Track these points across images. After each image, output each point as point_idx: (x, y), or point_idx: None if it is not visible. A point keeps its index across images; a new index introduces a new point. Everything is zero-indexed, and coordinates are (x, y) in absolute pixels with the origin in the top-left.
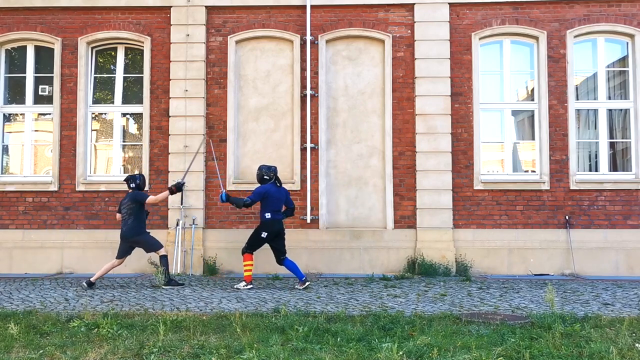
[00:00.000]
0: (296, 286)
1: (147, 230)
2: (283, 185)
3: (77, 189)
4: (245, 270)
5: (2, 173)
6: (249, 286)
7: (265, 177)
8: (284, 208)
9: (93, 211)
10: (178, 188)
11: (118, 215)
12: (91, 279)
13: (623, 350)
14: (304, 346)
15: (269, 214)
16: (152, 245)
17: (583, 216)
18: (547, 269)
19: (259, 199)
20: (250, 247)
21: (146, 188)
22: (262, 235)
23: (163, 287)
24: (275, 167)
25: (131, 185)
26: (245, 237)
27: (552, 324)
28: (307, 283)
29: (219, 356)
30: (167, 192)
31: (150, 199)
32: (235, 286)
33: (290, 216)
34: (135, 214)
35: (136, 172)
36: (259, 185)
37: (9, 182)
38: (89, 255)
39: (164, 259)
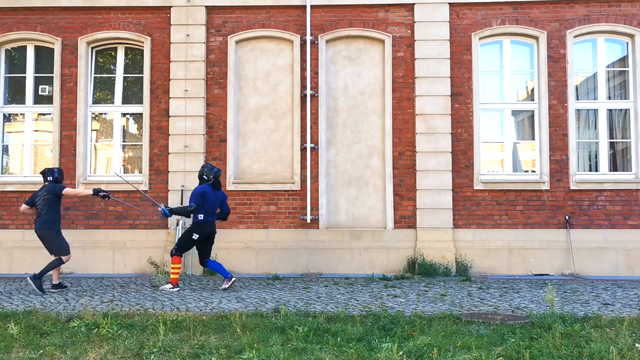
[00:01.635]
0: (223, 286)
1: (61, 230)
2: (283, 185)
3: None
4: (173, 273)
5: (2, 173)
6: (176, 289)
7: (205, 177)
8: (217, 210)
9: (93, 211)
10: (103, 196)
11: (23, 207)
12: (54, 283)
13: (623, 350)
14: (304, 346)
15: (202, 215)
16: (59, 249)
17: (583, 216)
18: (547, 269)
19: (200, 200)
20: (180, 249)
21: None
22: (194, 237)
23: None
24: (219, 170)
25: (48, 178)
26: (245, 236)
27: (552, 324)
28: (233, 279)
29: (219, 356)
30: (90, 191)
31: (68, 190)
32: (160, 287)
33: (222, 220)
34: (50, 205)
35: (55, 167)
36: (198, 184)
37: (9, 182)
38: (89, 255)
39: (57, 261)
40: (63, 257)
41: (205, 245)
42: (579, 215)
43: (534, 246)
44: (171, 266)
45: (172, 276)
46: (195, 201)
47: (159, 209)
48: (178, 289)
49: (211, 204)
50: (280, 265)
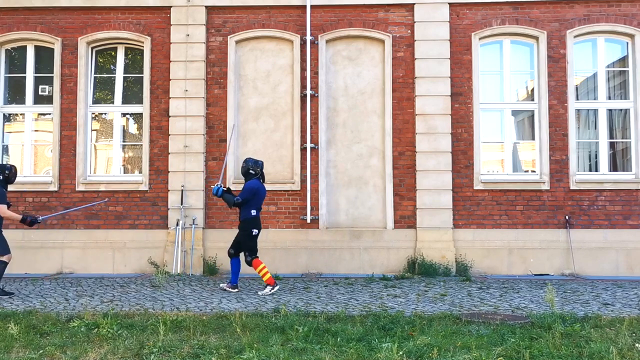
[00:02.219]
0: (223, 285)
1: (1, 231)
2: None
3: (77, 189)
4: (264, 274)
5: None
6: (276, 287)
7: (251, 171)
8: None
9: (93, 211)
10: (31, 222)
11: None
12: None
13: (623, 350)
14: (304, 346)
15: (254, 210)
16: (1, 249)
17: (583, 216)
18: (547, 269)
19: (250, 196)
20: (252, 252)
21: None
22: (254, 233)
23: None
24: (262, 162)
25: None
26: None
27: (552, 324)
28: (236, 290)
29: (219, 356)
30: (19, 217)
31: (2, 208)
32: (260, 293)
33: None
34: None
35: (8, 163)
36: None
37: None
38: (88, 255)
39: (1, 264)
40: (4, 257)
41: None
42: (579, 215)
43: (534, 246)
44: (257, 270)
45: (264, 278)
46: (245, 196)
47: (218, 183)
48: (278, 287)
49: (260, 199)
50: (280, 265)
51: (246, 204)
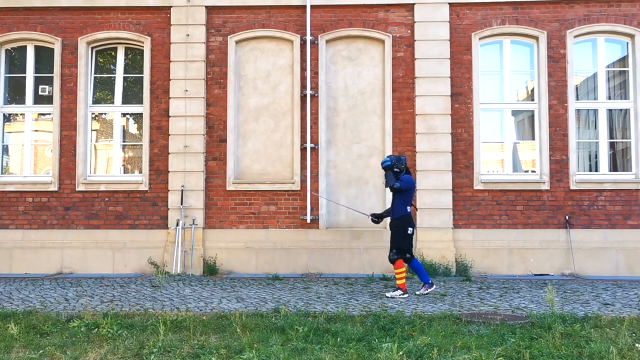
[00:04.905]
0: (420, 291)
1: None
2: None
3: (77, 189)
4: (399, 278)
5: (2, 173)
6: (405, 295)
7: (396, 169)
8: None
9: (93, 211)
10: None
11: None
12: None
13: (623, 350)
14: (304, 346)
15: (408, 207)
16: None
17: (583, 216)
18: (547, 269)
19: (409, 186)
20: (400, 251)
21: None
22: (409, 232)
23: None
24: (405, 158)
25: None
26: (245, 236)
27: (552, 324)
28: (434, 286)
29: (219, 356)
30: None
31: None
32: (388, 295)
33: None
34: None
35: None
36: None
37: (9, 182)
38: (89, 255)
39: None
40: None
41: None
42: (579, 215)
43: (534, 246)
44: (395, 272)
45: (399, 282)
46: (405, 186)
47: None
48: (407, 295)
49: (413, 195)
50: (280, 265)
51: (400, 197)
